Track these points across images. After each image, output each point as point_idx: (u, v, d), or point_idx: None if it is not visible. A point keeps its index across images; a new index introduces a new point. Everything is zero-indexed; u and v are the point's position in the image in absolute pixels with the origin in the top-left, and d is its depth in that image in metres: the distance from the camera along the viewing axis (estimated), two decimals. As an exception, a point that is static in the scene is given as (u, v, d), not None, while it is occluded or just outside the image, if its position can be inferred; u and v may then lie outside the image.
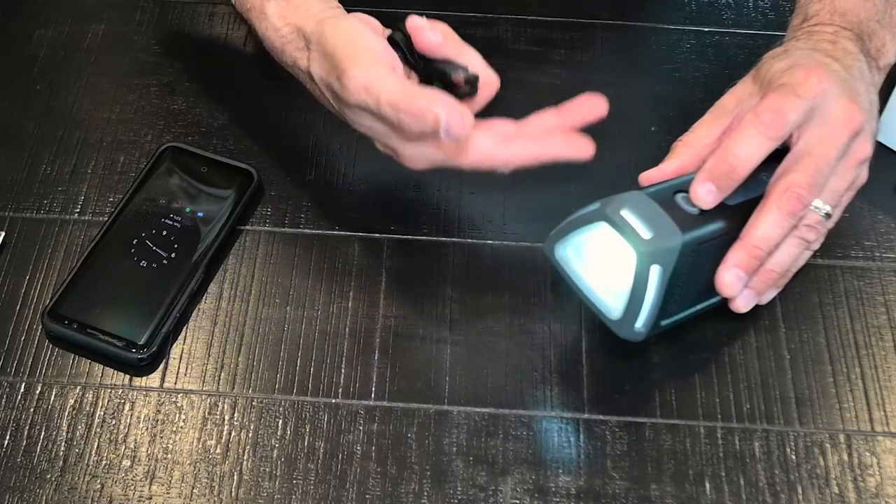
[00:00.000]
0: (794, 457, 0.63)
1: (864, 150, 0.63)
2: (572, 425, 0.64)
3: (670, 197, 0.61)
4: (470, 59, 0.68)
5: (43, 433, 0.64)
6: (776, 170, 0.62)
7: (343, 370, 0.66)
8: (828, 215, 0.63)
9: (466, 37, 0.83)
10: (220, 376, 0.66)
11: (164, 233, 0.70)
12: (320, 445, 0.63)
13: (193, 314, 0.68)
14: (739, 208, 0.62)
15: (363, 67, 0.63)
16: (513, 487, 0.62)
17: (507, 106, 0.79)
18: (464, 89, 0.66)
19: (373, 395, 0.65)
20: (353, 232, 0.72)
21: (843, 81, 0.62)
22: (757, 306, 0.69)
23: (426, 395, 0.65)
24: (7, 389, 0.65)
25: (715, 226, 0.61)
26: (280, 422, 0.64)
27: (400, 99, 0.62)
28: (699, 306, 0.65)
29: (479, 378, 0.66)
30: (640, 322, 0.61)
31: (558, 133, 0.66)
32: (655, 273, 0.59)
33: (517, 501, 0.61)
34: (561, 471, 0.62)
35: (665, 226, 0.59)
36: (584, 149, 0.65)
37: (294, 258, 0.71)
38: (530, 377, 0.66)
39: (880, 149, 0.77)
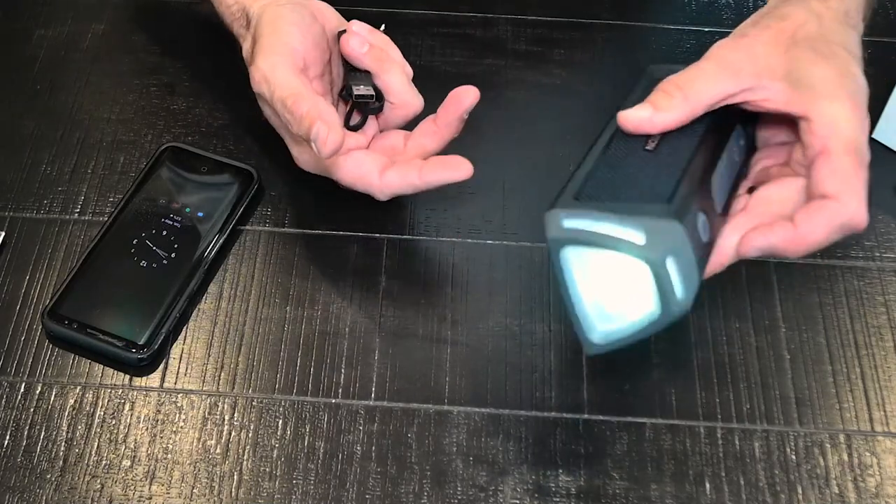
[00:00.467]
0: (794, 457, 0.63)
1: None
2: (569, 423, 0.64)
3: (697, 221, 0.55)
4: (391, 78, 0.69)
5: (43, 433, 0.64)
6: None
7: (343, 370, 0.66)
8: None
9: (466, 37, 0.83)
10: (220, 376, 0.66)
11: (164, 233, 0.70)
12: (320, 445, 0.63)
13: (193, 314, 0.68)
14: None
15: (270, 59, 0.67)
16: (513, 487, 0.62)
17: (507, 106, 0.79)
18: (372, 105, 0.70)
19: (373, 395, 0.65)
20: (353, 232, 0.72)
21: (865, 95, 0.60)
22: (757, 306, 0.69)
23: (426, 395, 0.65)
24: (7, 389, 0.65)
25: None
26: (280, 422, 0.64)
27: (289, 98, 0.65)
28: None
29: (479, 378, 0.66)
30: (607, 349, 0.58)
31: (435, 160, 0.67)
32: (659, 326, 0.55)
33: (517, 501, 0.61)
34: (561, 471, 0.62)
35: (693, 280, 0.54)
36: (462, 170, 0.66)
37: (294, 258, 0.71)
38: (530, 377, 0.66)
39: (880, 149, 0.77)
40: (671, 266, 0.53)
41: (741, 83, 0.59)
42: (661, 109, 0.58)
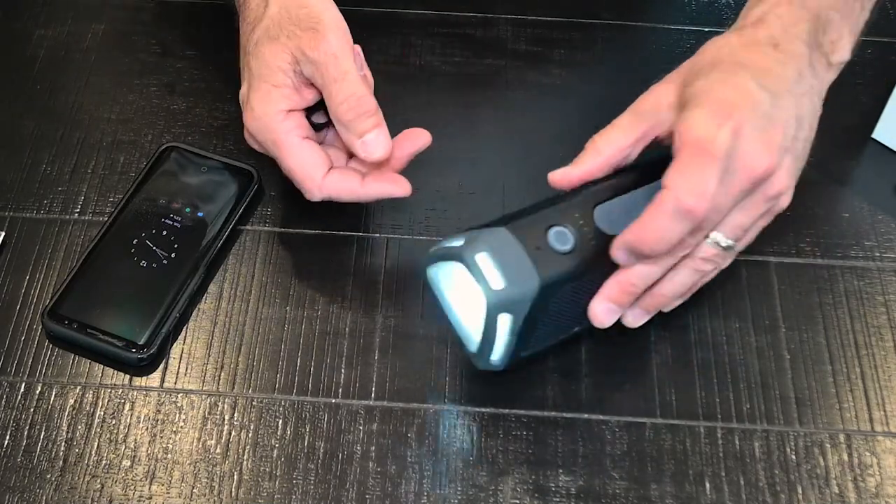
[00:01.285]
0: (794, 457, 0.63)
1: (777, 186, 0.59)
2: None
3: (542, 232, 0.59)
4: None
5: (43, 433, 0.64)
6: None
7: (343, 370, 0.66)
8: (728, 248, 0.61)
9: (466, 37, 0.83)
10: (220, 376, 0.66)
11: (164, 233, 0.70)
12: (320, 445, 0.63)
13: (193, 314, 0.68)
14: None
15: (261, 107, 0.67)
16: (513, 487, 0.62)
17: (507, 106, 0.79)
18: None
19: (373, 395, 0.65)
20: (352, 232, 0.72)
21: (763, 115, 0.58)
22: (757, 306, 0.69)
23: (426, 395, 0.65)
24: (7, 389, 0.65)
25: (586, 263, 0.59)
26: (280, 422, 0.64)
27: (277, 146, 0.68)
28: (581, 327, 0.64)
29: (479, 378, 0.66)
30: (496, 358, 0.61)
31: (379, 173, 0.68)
32: (506, 321, 0.59)
33: (517, 501, 0.61)
34: (561, 471, 0.62)
35: (522, 272, 0.57)
36: (403, 188, 0.67)
37: (294, 258, 0.71)
38: (530, 377, 0.66)
39: (880, 149, 0.77)
40: (483, 259, 0.57)
41: (642, 125, 0.62)
42: (576, 164, 0.63)
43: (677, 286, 0.62)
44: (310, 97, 0.68)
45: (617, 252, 0.59)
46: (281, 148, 0.67)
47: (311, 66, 0.66)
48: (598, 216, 0.60)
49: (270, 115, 0.67)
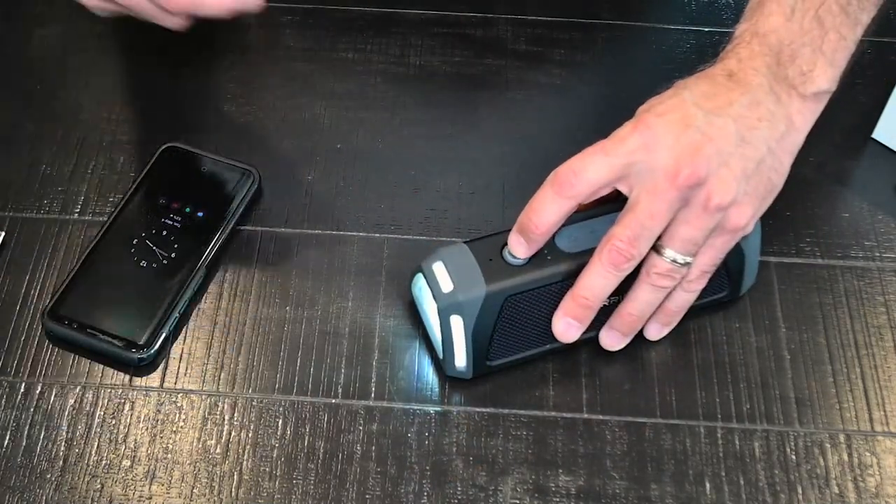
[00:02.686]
0: (794, 457, 0.63)
1: (716, 197, 0.59)
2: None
3: (497, 249, 0.63)
4: None
5: (43, 433, 0.64)
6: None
7: (343, 370, 0.66)
8: (685, 263, 0.61)
9: (466, 37, 0.83)
10: (220, 376, 0.66)
11: (164, 233, 0.70)
12: (320, 445, 0.63)
13: (193, 314, 0.68)
14: (584, 254, 0.62)
15: None
16: (513, 487, 0.62)
17: (507, 106, 0.79)
18: None
19: (373, 395, 0.65)
20: (353, 232, 0.72)
21: (691, 129, 0.60)
22: (757, 306, 0.69)
23: (426, 395, 0.65)
24: (7, 389, 0.65)
25: (536, 275, 0.62)
26: (280, 422, 0.64)
27: None
28: (554, 345, 0.65)
29: (479, 378, 0.65)
30: (460, 364, 0.64)
31: None
32: (459, 323, 0.62)
33: (517, 501, 0.61)
34: (561, 471, 0.62)
35: (471, 279, 0.61)
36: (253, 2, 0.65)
37: (294, 258, 0.71)
38: (530, 377, 0.66)
39: (880, 149, 0.77)
40: (439, 268, 0.62)
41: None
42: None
43: (641, 305, 0.64)
44: None
45: (510, 237, 0.62)
46: None
47: None
48: (559, 236, 0.63)
49: None
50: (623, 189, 0.61)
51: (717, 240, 0.62)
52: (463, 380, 0.65)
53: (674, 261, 0.61)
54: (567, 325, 0.63)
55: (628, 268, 0.61)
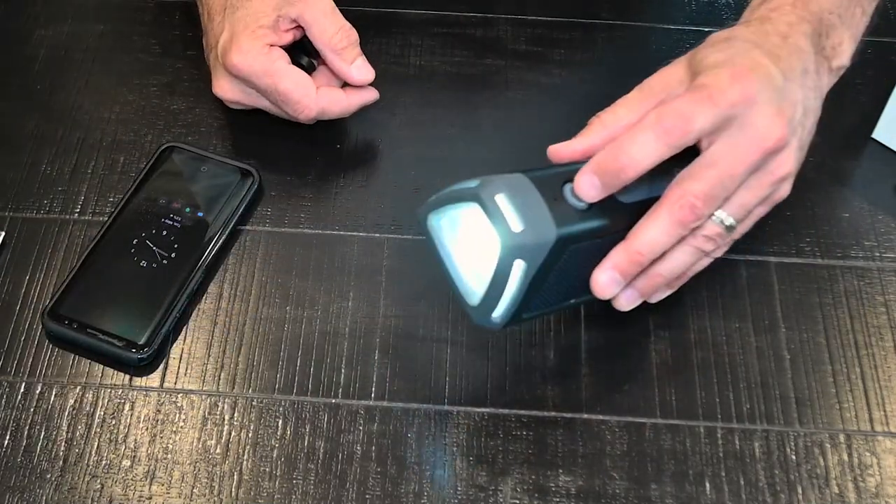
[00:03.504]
0: (794, 457, 0.63)
1: (784, 167, 0.59)
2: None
3: (559, 186, 0.57)
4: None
5: (43, 433, 0.64)
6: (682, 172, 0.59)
7: (343, 370, 0.66)
8: (730, 227, 0.60)
9: (466, 36, 0.83)
10: (220, 376, 0.66)
11: (164, 233, 0.70)
12: (320, 445, 0.63)
13: (193, 314, 0.68)
14: (637, 206, 0.58)
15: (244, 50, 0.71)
16: (513, 487, 0.62)
17: (507, 106, 0.79)
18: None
19: (373, 395, 0.65)
20: (353, 232, 0.72)
21: (776, 89, 0.58)
22: (757, 306, 0.69)
23: (426, 395, 0.65)
24: (7, 389, 0.65)
25: (600, 223, 0.58)
26: (280, 422, 0.64)
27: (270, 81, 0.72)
28: (578, 299, 0.62)
29: (479, 378, 0.66)
30: (498, 313, 0.58)
31: (354, 88, 0.74)
32: (519, 268, 0.56)
33: (517, 501, 0.61)
34: (561, 471, 0.62)
35: (540, 219, 0.55)
36: (373, 94, 0.74)
37: (294, 258, 0.71)
38: (530, 377, 0.66)
39: (880, 149, 0.77)
40: (502, 201, 0.55)
41: (650, 101, 0.61)
42: (580, 137, 0.61)
43: (676, 265, 0.61)
44: (287, 38, 0.72)
45: (583, 178, 0.57)
46: (273, 74, 0.71)
47: (296, 8, 0.71)
48: None
49: (258, 48, 0.71)
50: (706, 140, 0.58)
51: (760, 208, 0.61)
52: (463, 379, 0.65)
53: (723, 223, 0.59)
54: (611, 281, 0.59)
55: (694, 227, 0.58)
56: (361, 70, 0.73)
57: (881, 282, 0.70)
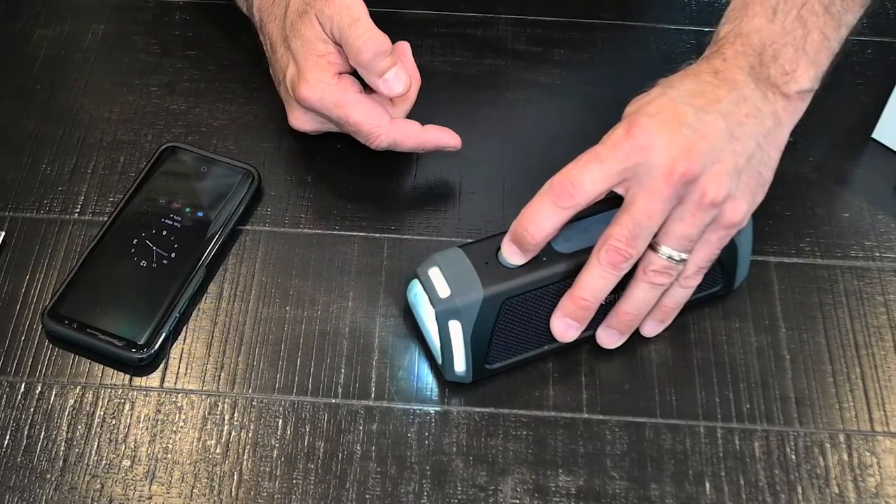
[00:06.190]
0: (794, 457, 0.63)
1: (712, 191, 0.60)
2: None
3: (492, 252, 0.62)
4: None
5: (43, 433, 0.64)
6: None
7: (343, 370, 0.66)
8: (681, 260, 0.62)
9: (466, 37, 0.83)
10: (220, 376, 0.66)
11: (164, 233, 0.70)
12: (320, 445, 0.63)
13: (193, 314, 0.68)
14: (577, 255, 0.62)
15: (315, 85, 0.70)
16: (513, 487, 0.62)
17: (507, 106, 0.79)
18: None
19: (373, 395, 0.65)
20: (353, 232, 0.72)
21: (683, 127, 0.60)
22: (757, 306, 0.69)
23: (426, 395, 0.65)
24: (7, 389, 0.65)
25: (535, 276, 0.62)
26: (280, 422, 0.64)
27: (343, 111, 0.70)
28: (552, 346, 0.66)
29: (479, 380, 0.66)
30: (460, 369, 0.64)
31: (436, 126, 0.72)
32: (457, 328, 0.62)
33: (517, 501, 0.61)
34: (561, 471, 0.62)
35: (467, 283, 0.61)
36: (456, 140, 0.72)
37: (294, 258, 0.71)
38: (530, 377, 0.66)
39: (880, 149, 0.77)
40: (435, 272, 0.62)
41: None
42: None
43: (638, 303, 0.64)
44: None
45: (504, 246, 0.62)
46: (344, 106, 0.70)
47: (329, 23, 0.69)
48: (554, 238, 0.62)
49: (326, 80, 0.69)
50: (619, 191, 0.61)
51: (713, 235, 0.62)
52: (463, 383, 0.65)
53: (670, 258, 0.61)
54: (566, 326, 0.63)
55: (626, 267, 0.61)
56: (389, 84, 0.70)
57: (881, 282, 0.70)
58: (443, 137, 0.72)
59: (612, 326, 0.65)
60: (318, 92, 0.69)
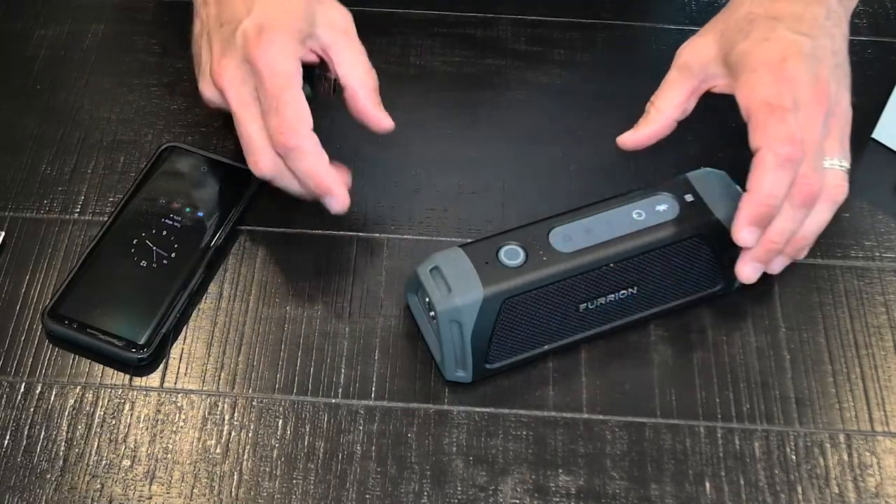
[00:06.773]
0: (794, 457, 0.63)
1: (839, 103, 0.65)
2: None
3: (493, 252, 0.63)
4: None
5: (43, 433, 0.64)
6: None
7: (343, 370, 0.66)
8: (848, 168, 0.65)
9: (466, 37, 0.83)
10: (220, 376, 0.66)
11: (164, 233, 0.70)
12: (320, 445, 0.63)
13: (193, 314, 0.68)
14: (578, 254, 0.63)
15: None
16: (513, 487, 0.62)
17: (507, 106, 0.79)
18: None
19: (373, 395, 0.65)
20: (353, 232, 0.72)
21: (809, 58, 0.64)
22: (757, 306, 0.69)
23: (426, 395, 0.65)
24: (7, 389, 0.65)
25: (535, 276, 0.62)
26: (280, 422, 0.64)
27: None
28: (552, 345, 0.66)
29: (479, 378, 0.65)
30: (460, 368, 0.64)
31: (341, 171, 0.69)
32: (457, 328, 0.62)
33: (517, 501, 0.61)
34: (561, 471, 0.62)
35: (467, 283, 0.61)
36: (341, 201, 0.67)
37: (294, 258, 0.71)
38: (530, 377, 0.66)
39: (880, 149, 0.77)
40: (436, 273, 0.62)
41: (692, 80, 0.68)
42: (641, 125, 0.68)
43: (820, 224, 0.66)
44: (309, 58, 0.68)
45: (741, 234, 0.63)
46: (293, 86, 0.65)
47: (326, 37, 0.68)
48: (553, 236, 0.63)
49: (290, 52, 0.65)
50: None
51: (835, 129, 0.66)
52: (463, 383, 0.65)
53: (847, 167, 0.65)
54: (754, 269, 0.65)
55: (800, 164, 0.63)
56: (388, 118, 0.69)
57: (881, 282, 0.70)
58: (339, 186, 0.67)
59: (787, 254, 0.66)
60: (277, 54, 0.64)
